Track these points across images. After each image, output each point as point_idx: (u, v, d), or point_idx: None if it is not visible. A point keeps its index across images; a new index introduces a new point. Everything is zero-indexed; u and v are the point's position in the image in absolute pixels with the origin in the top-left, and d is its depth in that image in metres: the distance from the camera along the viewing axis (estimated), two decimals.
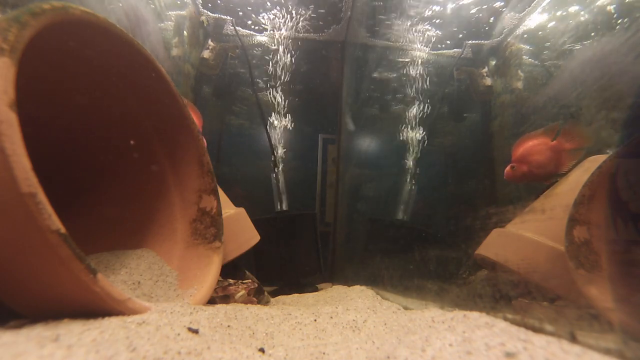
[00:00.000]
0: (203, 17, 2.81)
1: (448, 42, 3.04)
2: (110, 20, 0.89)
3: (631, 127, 1.42)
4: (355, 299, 1.52)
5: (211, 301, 1.11)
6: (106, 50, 0.95)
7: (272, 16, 2.97)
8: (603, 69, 1.77)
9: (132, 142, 1.17)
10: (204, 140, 1.70)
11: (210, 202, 1.24)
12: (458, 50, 3.07)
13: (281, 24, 3.00)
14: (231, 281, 1.32)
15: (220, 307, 0.93)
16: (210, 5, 2.85)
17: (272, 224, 2.44)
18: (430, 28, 2.96)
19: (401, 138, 3.04)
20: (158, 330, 0.62)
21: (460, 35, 2.98)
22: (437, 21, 2.91)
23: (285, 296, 1.92)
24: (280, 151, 2.86)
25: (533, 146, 1.56)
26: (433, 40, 3.03)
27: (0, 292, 0.66)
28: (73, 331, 0.57)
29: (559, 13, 2.37)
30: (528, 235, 1.26)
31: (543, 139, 1.55)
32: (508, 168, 1.61)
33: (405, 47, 3.08)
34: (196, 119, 1.68)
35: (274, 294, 2.01)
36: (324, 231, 2.94)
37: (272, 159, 2.79)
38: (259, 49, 3.13)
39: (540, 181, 1.58)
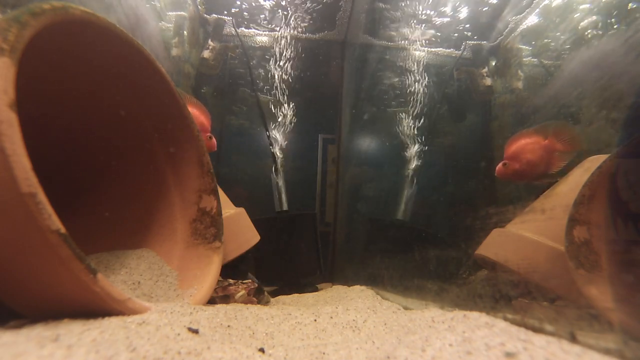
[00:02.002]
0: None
1: (448, 42, 3.04)
2: (110, 20, 0.89)
3: (631, 127, 1.42)
4: (355, 299, 1.52)
5: (211, 301, 1.11)
6: (106, 50, 0.95)
7: (272, 16, 2.97)
8: (603, 69, 1.77)
9: (132, 142, 1.17)
10: (214, 140, 1.69)
11: (210, 202, 1.24)
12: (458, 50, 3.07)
13: (281, 24, 3.00)
14: (231, 281, 1.32)
15: (220, 307, 0.93)
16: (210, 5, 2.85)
17: (272, 224, 2.44)
18: (430, 28, 2.96)
19: (401, 138, 3.04)
20: (158, 330, 0.62)
21: (466, 33, 2.98)
22: (437, 21, 2.91)
23: (285, 296, 1.92)
24: (279, 151, 2.87)
25: (526, 144, 1.55)
26: (433, 40, 3.03)
27: (0, 292, 0.66)
28: (73, 331, 0.57)
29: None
30: (528, 235, 1.26)
31: (536, 137, 1.54)
32: (500, 165, 1.61)
33: (405, 46, 3.08)
34: (204, 118, 1.68)
35: (274, 294, 2.01)
36: (324, 231, 2.94)
37: (272, 157, 2.79)
38: (259, 51, 3.13)
39: (531, 181, 1.58)
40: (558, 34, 2.37)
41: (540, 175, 1.52)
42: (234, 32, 3.00)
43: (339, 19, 2.93)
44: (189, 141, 1.24)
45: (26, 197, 0.55)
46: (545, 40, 2.53)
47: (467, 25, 2.91)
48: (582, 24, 2.12)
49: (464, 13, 2.82)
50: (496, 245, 1.40)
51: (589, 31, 2.05)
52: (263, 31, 3.07)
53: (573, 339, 0.56)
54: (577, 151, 1.47)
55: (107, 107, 1.10)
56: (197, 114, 1.63)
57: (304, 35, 3.09)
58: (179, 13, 2.59)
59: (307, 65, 3.19)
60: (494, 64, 2.96)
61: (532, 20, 2.56)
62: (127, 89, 1.08)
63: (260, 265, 2.30)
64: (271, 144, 2.85)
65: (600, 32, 1.97)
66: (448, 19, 2.89)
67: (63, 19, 0.75)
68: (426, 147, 2.95)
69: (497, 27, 2.79)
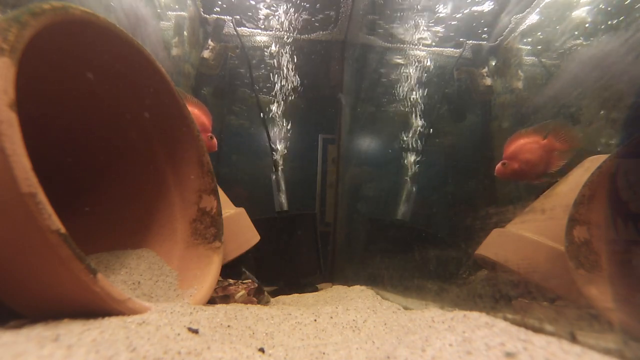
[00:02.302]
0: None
1: (450, 41, 3.04)
2: (110, 20, 0.89)
3: (631, 127, 1.42)
4: (355, 299, 1.52)
5: (211, 301, 1.11)
6: (106, 50, 0.95)
7: (272, 16, 2.97)
8: (603, 69, 1.77)
9: (132, 142, 1.17)
10: (215, 140, 1.69)
11: (210, 202, 1.24)
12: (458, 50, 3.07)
13: (281, 24, 3.00)
14: (231, 281, 1.32)
15: (220, 307, 0.93)
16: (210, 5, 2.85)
17: (272, 224, 2.44)
18: (430, 28, 2.96)
19: (401, 137, 3.05)
20: (158, 330, 0.62)
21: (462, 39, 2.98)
22: (437, 21, 2.91)
23: (285, 296, 1.92)
24: (280, 151, 2.87)
25: (525, 144, 1.56)
26: (433, 39, 3.03)
27: (0, 292, 0.66)
28: (73, 331, 0.57)
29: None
30: (528, 235, 1.26)
31: (535, 137, 1.54)
32: (499, 165, 1.61)
33: (405, 47, 3.08)
34: (205, 118, 1.67)
35: (274, 294, 2.01)
36: (324, 231, 2.94)
37: (273, 158, 2.79)
38: (260, 52, 3.13)
39: (530, 180, 1.58)
40: (558, 35, 2.37)
41: (540, 174, 1.53)
42: (233, 32, 3.00)
43: (339, 18, 2.93)
44: (189, 141, 1.23)
45: (26, 197, 0.55)
46: (545, 39, 2.53)
47: (467, 25, 2.91)
48: (575, 13, 2.12)
49: (464, 13, 2.82)
50: (496, 245, 1.40)
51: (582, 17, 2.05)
52: (262, 30, 3.07)
53: (573, 339, 0.56)
54: (576, 150, 1.47)
55: (107, 107, 1.10)
56: (198, 113, 1.63)
57: (304, 35, 3.09)
58: (179, 13, 2.59)
59: (307, 65, 3.19)
60: (494, 64, 2.96)
61: (532, 19, 2.56)
62: (127, 89, 1.08)
63: (260, 265, 2.30)
64: (270, 144, 2.85)
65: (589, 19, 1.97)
66: (448, 19, 2.89)
67: (63, 19, 0.75)
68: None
69: (497, 27, 2.79)
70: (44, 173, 0.62)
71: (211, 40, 2.91)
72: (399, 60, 3.14)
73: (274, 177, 2.75)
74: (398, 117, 3.12)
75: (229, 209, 1.59)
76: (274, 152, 2.81)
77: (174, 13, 2.56)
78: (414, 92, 3.06)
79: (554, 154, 1.50)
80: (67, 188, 1.09)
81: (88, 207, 1.16)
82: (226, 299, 1.21)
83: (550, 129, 1.52)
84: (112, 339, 0.55)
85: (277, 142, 2.91)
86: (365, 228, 2.97)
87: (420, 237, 2.68)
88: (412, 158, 2.98)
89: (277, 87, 3.04)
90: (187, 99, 1.55)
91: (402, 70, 3.14)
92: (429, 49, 3.08)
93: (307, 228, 2.48)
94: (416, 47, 3.06)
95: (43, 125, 0.96)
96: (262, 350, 0.62)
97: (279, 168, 2.77)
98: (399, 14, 2.88)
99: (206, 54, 2.86)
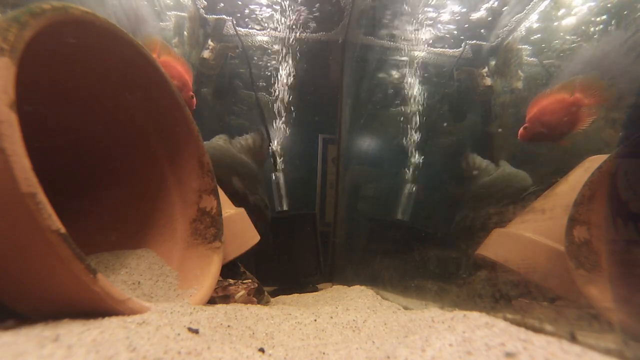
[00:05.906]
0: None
1: (450, 41, 3.04)
2: (110, 20, 0.89)
3: (631, 127, 1.42)
4: (355, 298, 1.52)
5: (211, 301, 1.11)
6: (106, 51, 0.95)
7: (271, 15, 2.97)
8: (603, 69, 1.77)
9: (132, 142, 1.17)
10: (195, 99, 1.60)
11: (210, 202, 1.24)
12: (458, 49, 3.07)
13: (280, 24, 3.00)
14: (231, 281, 1.32)
15: (220, 307, 0.93)
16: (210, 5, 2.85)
17: (272, 224, 2.45)
18: (429, 28, 2.96)
19: (401, 138, 3.05)
20: (158, 330, 0.62)
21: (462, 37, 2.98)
22: (437, 21, 2.91)
23: (285, 296, 1.92)
24: (279, 150, 2.87)
25: (547, 105, 1.50)
26: (433, 39, 3.03)
27: (0, 292, 0.66)
28: (73, 331, 0.57)
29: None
30: (528, 235, 1.26)
31: (559, 96, 1.48)
32: (521, 129, 1.56)
33: (405, 46, 3.08)
34: (187, 75, 1.59)
35: (274, 294, 2.01)
36: (324, 231, 2.94)
37: (272, 159, 2.80)
38: (260, 51, 3.13)
39: (553, 141, 1.53)
40: (560, 34, 2.37)
41: (565, 134, 1.47)
42: (233, 32, 3.00)
43: (339, 18, 2.93)
44: (189, 141, 1.23)
45: (26, 197, 0.55)
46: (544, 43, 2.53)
47: (467, 25, 2.91)
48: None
49: (464, 13, 2.81)
50: (496, 245, 1.40)
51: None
52: (262, 30, 3.07)
53: (573, 339, 0.56)
54: (606, 103, 1.40)
55: (107, 107, 1.10)
56: (180, 70, 1.56)
57: (303, 34, 3.09)
58: (179, 13, 2.60)
59: (307, 65, 3.18)
60: (494, 64, 2.96)
61: (532, 19, 2.56)
62: (127, 89, 1.08)
63: (260, 265, 2.30)
64: (270, 143, 2.86)
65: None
66: (448, 19, 2.89)
67: (63, 19, 0.75)
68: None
69: (497, 27, 2.79)
70: (44, 173, 0.62)
71: (211, 40, 2.91)
72: (399, 60, 3.14)
73: (274, 177, 2.76)
74: (398, 117, 3.12)
75: (229, 209, 1.59)
76: (273, 152, 2.82)
77: (174, 13, 2.57)
78: (414, 92, 3.06)
79: (581, 111, 1.44)
80: (68, 188, 1.09)
81: (89, 207, 1.16)
82: (226, 299, 1.21)
83: (577, 85, 1.45)
84: (112, 339, 0.55)
85: (277, 141, 2.91)
86: (365, 228, 2.97)
87: (420, 237, 2.69)
88: (412, 158, 2.98)
89: (277, 86, 3.04)
90: (169, 52, 1.50)
91: (401, 70, 3.14)
92: (429, 48, 3.08)
93: (307, 228, 2.48)
94: (416, 47, 3.06)
95: (43, 125, 0.96)
96: (262, 350, 0.62)
97: (279, 168, 2.77)
98: (398, 14, 2.88)
99: (206, 54, 2.86)
